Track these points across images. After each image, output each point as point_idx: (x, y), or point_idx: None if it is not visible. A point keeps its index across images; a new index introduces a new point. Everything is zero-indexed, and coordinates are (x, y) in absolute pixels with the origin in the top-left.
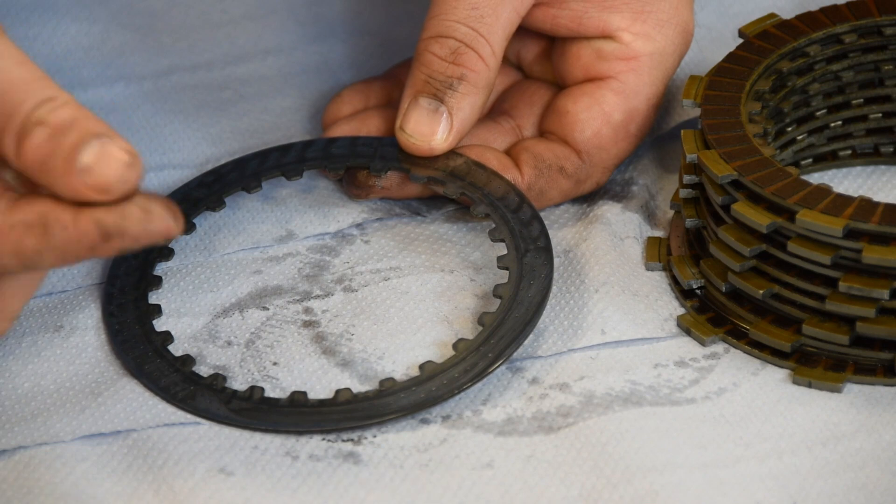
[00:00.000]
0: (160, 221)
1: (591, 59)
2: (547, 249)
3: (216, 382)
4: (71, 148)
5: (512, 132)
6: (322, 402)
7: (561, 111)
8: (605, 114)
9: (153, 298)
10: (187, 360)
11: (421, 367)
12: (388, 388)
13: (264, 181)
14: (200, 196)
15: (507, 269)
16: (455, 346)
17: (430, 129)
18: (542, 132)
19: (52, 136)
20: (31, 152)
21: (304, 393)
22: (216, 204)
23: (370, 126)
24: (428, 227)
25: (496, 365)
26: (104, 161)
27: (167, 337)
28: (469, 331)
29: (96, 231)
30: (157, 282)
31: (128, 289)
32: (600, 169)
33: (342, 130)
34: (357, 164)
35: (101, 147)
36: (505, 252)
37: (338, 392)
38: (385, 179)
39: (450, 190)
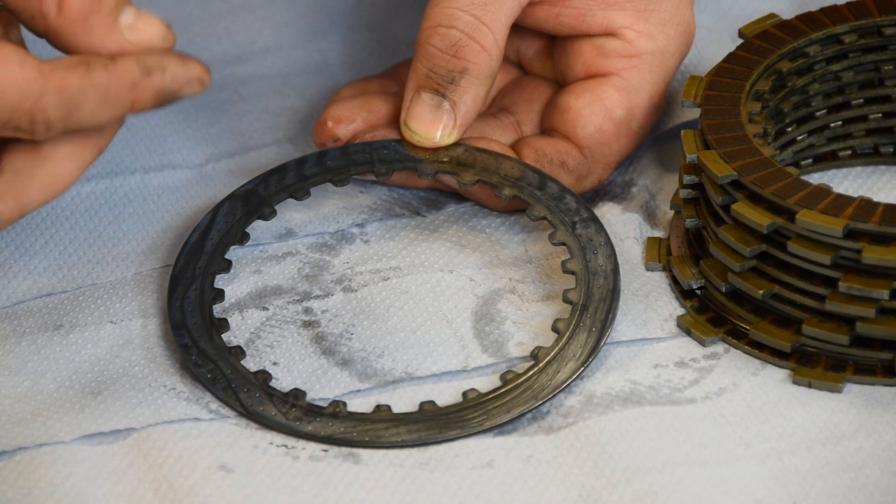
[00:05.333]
0: (194, 64)
1: (593, 56)
2: (594, 219)
3: (298, 400)
4: (112, 6)
5: (511, 128)
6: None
7: (563, 107)
8: (607, 109)
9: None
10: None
11: (534, 354)
12: (512, 378)
13: (276, 205)
14: (221, 236)
15: (563, 244)
16: (555, 327)
17: (433, 125)
18: (544, 129)
19: None
20: (75, 7)
21: (433, 402)
22: (242, 238)
23: (372, 107)
24: (428, 227)
25: (605, 337)
26: (144, 21)
27: (240, 352)
28: (469, 331)
29: (137, 66)
30: (220, 295)
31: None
32: (602, 165)
33: (344, 112)
34: (359, 171)
35: (138, 11)
36: (553, 229)
37: (464, 393)
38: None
39: (466, 179)
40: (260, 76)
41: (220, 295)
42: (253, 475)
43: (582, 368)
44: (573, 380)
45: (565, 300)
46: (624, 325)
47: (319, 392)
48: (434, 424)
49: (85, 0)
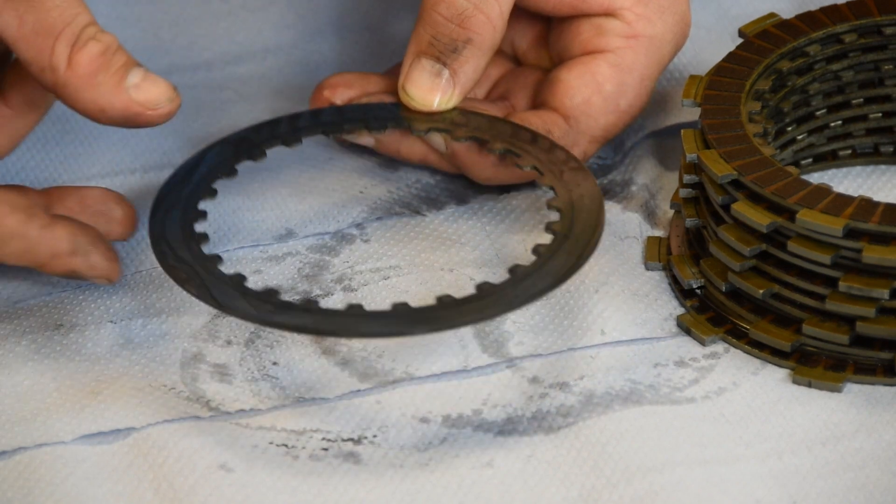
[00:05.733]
0: (115, 265)
1: (590, 35)
2: (582, 169)
3: (272, 297)
4: (121, 66)
5: (505, 109)
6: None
7: (554, 80)
8: (597, 83)
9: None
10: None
11: (511, 270)
12: (488, 288)
13: (267, 150)
14: (210, 169)
15: (550, 187)
16: (535, 250)
17: (431, 92)
18: (536, 106)
19: (104, 52)
20: (84, 63)
21: (406, 303)
22: (230, 172)
23: (370, 79)
24: (428, 226)
25: (585, 259)
26: (151, 81)
27: (217, 259)
28: (469, 330)
29: (68, 242)
30: (203, 215)
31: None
32: (587, 137)
33: (341, 81)
34: (352, 126)
35: (145, 73)
36: (542, 175)
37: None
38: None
39: (457, 135)
40: (260, 76)
41: (203, 215)
42: (253, 475)
43: (560, 284)
44: (549, 293)
45: (547, 230)
46: (624, 325)
47: (320, 392)
48: (405, 320)
49: (95, 57)
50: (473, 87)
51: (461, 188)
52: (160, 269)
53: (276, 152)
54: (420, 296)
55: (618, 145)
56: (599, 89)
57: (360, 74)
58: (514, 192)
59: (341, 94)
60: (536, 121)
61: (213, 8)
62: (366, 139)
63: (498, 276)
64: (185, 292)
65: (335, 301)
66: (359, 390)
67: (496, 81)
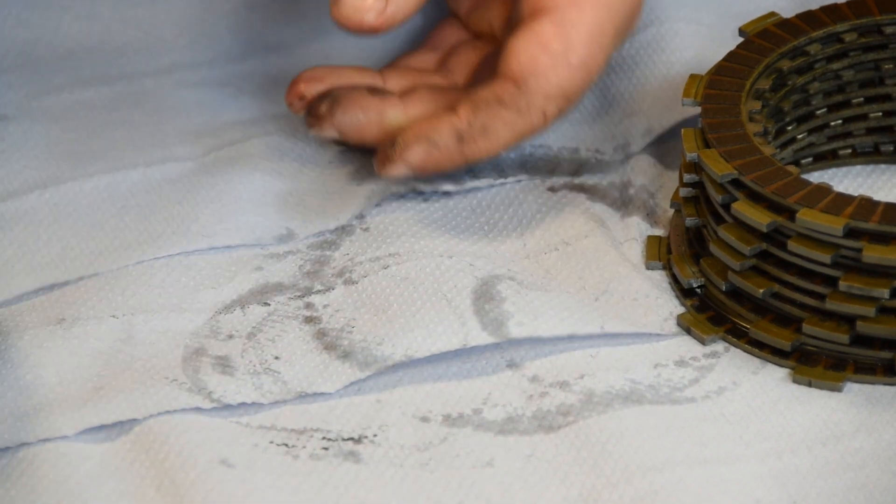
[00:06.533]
0: None
1: None
2: None
3: None
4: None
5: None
6: None
7: (503, 48)
8: (541, 42)
9: None
10: None
11: None
12: None
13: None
14: None
15: None
16: None
17: (362, 4)
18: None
19: None
20: None
21: None
22: None
23: (343, 73)
24: (426, 212)
25: None
26: None
27: None
28: (468, 308)
29: None
30: None
31: None
32: (541, 97)
33: (316, 74)
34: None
35: None
36: None
37: None
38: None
39: None
40: (262, 73)
41: None
42: (253, 474)
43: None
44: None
45: None
46: (624, 325)
47: (321, 386)
48: None
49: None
50: (406, 17)
51: (459, 172)
52: (163, 260)
53: (277, 140)
54: (419, 280)
55: (621, 146)
56: (546, 48)
57: (336, 68)
58: (511, 177)
59: (312, 87)
60: (485, 93)
61: (215, 7)
62: (330, 123)
63: (496, 264)
64: (182, 289)
65: (336, 296)
66: (361, 381)
67: (476, 65)
